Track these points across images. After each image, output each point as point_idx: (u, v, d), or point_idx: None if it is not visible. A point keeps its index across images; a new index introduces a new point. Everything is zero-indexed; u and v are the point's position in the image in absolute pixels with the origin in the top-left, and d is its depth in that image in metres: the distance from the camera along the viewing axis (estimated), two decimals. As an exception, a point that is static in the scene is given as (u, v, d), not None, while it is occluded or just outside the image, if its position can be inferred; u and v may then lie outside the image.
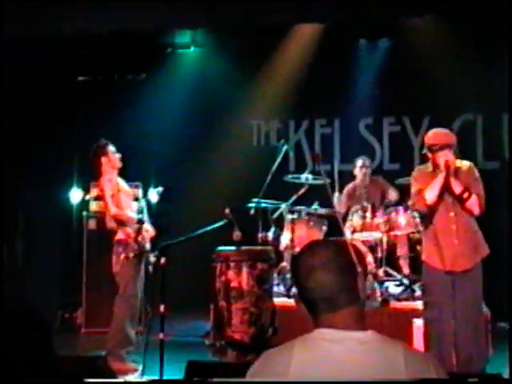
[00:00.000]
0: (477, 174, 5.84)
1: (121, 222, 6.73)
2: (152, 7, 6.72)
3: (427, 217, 5.85)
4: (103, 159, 6.73)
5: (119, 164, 6.83)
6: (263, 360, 2.33)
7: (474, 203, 5.62)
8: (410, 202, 6.24)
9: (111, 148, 6.77)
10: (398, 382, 2.33)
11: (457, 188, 5.60)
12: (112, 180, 6.73)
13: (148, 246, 6.76)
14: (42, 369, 2.60)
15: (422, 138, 9.26)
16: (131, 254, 6.60)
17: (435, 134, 5.82)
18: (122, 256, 6.65)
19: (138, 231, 6.69)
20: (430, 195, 5.70)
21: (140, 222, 6.72)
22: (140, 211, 6.90)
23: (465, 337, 5.56)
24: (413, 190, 5.88)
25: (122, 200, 6.70)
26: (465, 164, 5.89)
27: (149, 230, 6.82)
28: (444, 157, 5.62)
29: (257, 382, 2.26)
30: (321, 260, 2.30)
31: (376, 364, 2.19)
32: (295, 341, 2.28)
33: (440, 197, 5.69)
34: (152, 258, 6.67)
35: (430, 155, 5.79)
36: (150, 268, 6.75)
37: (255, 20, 6.98)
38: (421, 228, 7.84)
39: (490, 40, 8.83)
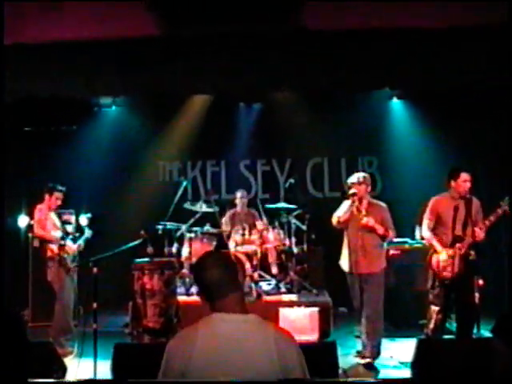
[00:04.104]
0: (388, 211, 6.18)
1: (44, 241, 6.88)
2: (84, 80, 6.87)
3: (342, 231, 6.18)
4: (46, 197, 6.94)
5: (55, 205, 6.98)
6: (177, 337, 2.59)
7: (389, 237, 6.12)
8: None
9: (56, 193, 6.93)
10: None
11: (380, 230, 5.99)
12: (42, 209, 6.89)
13: (70, 259, 6.81)
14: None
15: (286, 175, 9.95)
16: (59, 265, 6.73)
17: (352, 176, 6.20)
18: (52, 268, 6.79)
19: (61, 249, 6.78)
20: (339, 214, 6.12)
21: (62, 240, 6.81)
22: (66, 233, 7.01)
23: (370, 318, 6.00)
24: None
25: (47, 225, 6.84)
26: (382, 204, 6.23)
27: (73, 247, 6.91)
28: (354, 189, 6.04)
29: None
30: (212, 262, 2.60)
31: (255, 337, 2.47)
32: (199, 322, 2.54)
33: (353, 220, 6.04)
34: (73, 265, 6.81)
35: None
36: (73, 273, 6.86)
37: (161, 89, 7.20)
38: (287, 242, 8.41)
39: (330, 106, 9.36)
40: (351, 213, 6.08)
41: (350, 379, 5.28)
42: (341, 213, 6.16)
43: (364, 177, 6.21)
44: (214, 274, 2.55)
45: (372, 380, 4.94)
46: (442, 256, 5.86)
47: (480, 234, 5.75)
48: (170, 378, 2.47)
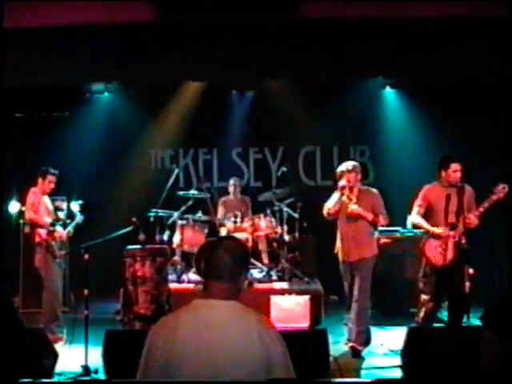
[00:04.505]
0: (380, 197, 6.21)
1: (36, 225, 6.82)
2: (76, 66, 6.86)
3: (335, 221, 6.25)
4: (40, 180, 6.88)
5: (48, 189, 6.93)
6: (159, 323, 2.60)
7: (380, 224, 6.16)
8: None
9: (49, 176, 6.87)
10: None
11: (369, 217, 6.04)
12: (36, 193, 6.81)
13: (57, 245, 6.78)
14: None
15: (278, 163, 9.97)
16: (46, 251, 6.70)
17: (341, 166, 6.23)
18: (39, 254, 6.76)
19: (49, 235, 6.73)
20: (329, 206, 6.17)
21: (52, 226, 6.77)
22: (57, 219, 7.00)
23: (357, 301, 6.04)
24: None
25: (40, 209, 6.77)
26: (373, 191, 6.26)
27: (62, 234, 6.86)
28: (343, 181, 6.08)
29: None
30: (224, 244, 2.61)
31: (237, 323, 2.49)
32: (181, 308, 2.57)
33: (344, 210, 6.09)
34: (61, 252, 6.81)
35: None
36: (61, 260, 6.85)
37: (154, 76, 7.18)
38: (278, 230, 8.43)
39: (323, 95, 9.31)
40: (341, 203, 6.13)
41: (342, 379, 5.29)
42: (330, 204, 6.20)
43: (353, 165, 6.22)
44: (222, 254, 2.55)
45: (369, 380, 4.95)
46: (437, 230, 5.88)
47: (474, 220, 5.78)
48: (152, 365, 2.48)
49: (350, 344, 6.11)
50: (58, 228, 6.87)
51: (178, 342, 2.43)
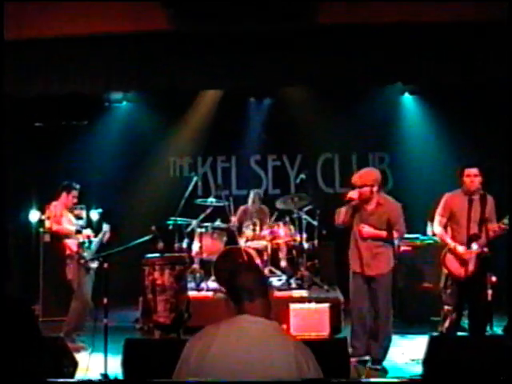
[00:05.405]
0: (400, 211, 5.80)
1: (62, 236, 6.86)
2: (95, 76, 6.92)
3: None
4: (64, 195, 6.94)
5: (71, 203, 6.98)
6: (201, 331, 2.63)
7: (395, 238, 5.84)
8: None
9: (74, 191, 6.96)
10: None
11: (383, 234, 5.71)
12: (56, 206, 6.88)
13: (89, 255, 6.76)
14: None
15: (297, 170, 9.94)
16: (79, 263, 6.73)
17: (357, 175, 5.83)
18: (71, 266, 6.78)
19: (80, 246, 6.76)
20: (339, 214, 5.83)
21: (78, 232, 6.80)
22: (82, 227, 6.96)
23: (380, 318, 5.77)
24: None
25: (62, 220, 6.83)
26: (393, 204, 5.85)
27: (89, 234, 6.88)
28: (353, 193, 5.71)
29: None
30: (246, 267, 2.72)
31: (275, 343, 2.52)
32: (225, 320, 2.61)
33: (358, 220, 5.77)
34: (94, 265, 6.78)
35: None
36: (92, 271, 6.81)
37: (173, 85, 7.21)
38: (297, 238, 8.37)
39: (341, 101, 9.35)
40: (357, 213, 5.85)
41: (364, 379, 5.24)
42: (342, 211, 5.87)
43: (368, 179, 5.78)
44: (247, 278, 2.63)
45: (386, 380, 4.90)
46: (458, 249, 5.80)
47: (499, 232, 5.70)
48: (185, 371, 2.53)
49: (371, 366, 5.81)
50: (85, 231, 6.89)
51: (212, 351, 2.47)
